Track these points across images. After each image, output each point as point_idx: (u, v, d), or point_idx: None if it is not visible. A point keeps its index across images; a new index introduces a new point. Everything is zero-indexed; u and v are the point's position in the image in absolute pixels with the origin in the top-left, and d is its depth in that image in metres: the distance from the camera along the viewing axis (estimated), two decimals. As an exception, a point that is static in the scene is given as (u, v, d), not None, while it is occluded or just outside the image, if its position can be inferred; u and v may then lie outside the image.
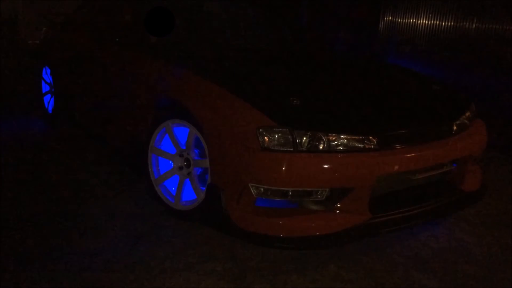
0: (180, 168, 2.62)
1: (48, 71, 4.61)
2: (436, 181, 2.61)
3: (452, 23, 5.39)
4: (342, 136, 2.19)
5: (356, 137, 2.21)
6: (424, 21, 5.74)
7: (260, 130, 2.16)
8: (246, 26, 3.97)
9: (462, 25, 5.26)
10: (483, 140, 2.69)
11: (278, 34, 4.05)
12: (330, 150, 2.17)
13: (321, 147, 2.17)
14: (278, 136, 2.15)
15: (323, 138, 2.16)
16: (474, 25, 5.12)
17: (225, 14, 3.93)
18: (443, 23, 5.50)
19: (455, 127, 2.55)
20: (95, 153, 3.78)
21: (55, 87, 4.50)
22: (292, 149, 2.14)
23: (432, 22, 5.64)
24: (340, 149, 2.19)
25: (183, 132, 2.61)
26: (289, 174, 2.12)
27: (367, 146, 2.22)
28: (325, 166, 2.13)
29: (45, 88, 4.76)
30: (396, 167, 2.24)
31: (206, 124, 2.39)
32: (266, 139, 2.15)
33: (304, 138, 2.15)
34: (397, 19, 6.11)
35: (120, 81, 3.26)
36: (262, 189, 2.19)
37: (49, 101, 4.69)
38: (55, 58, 4.46)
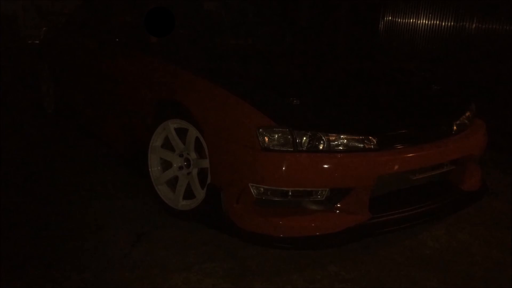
0: (180, 168, 2.62)
1: (48, 71, 4.61)
2: (436, 181, 2.61)
3: (452, 23, 5.39)
4: (342, 136, 2.19)
5: (356, 137, 2.21)
6: (424, 21, 5.74)
7: (260, 130, 2.16)
8: (246, 25, 3.97)
9: (462, 25, 5.26)
10: (483, 140, 2.69)
11: (279, 34, 4.05)
12: (330, 150, 2.17)
13: (321, 147, 2.17)
14: (278, 136, 2.15)
15: (323, 138, 2.16)
16: (474, 25, 5.12)
17: (225, 13, 3.93)
18: (443, 23, 5.50)
19: (455, 127, 2.55)
20: (95, 153, 3.78)
21: (54, 87, 4.50)
22: (292, 149, 2.14)
23: (432, 22, 5.64)
24: (340, 149, 2.19)
25: (183, 132, 2.60)
26: (289, 174, 2.12)
27: (367, 146, 2.22)
28: (325, 166, 2.13)
29: (44, 87, 4.76)
30: (396, 167, 2.24)
31: (206, 124, 2.39)
32: (266, 139, 2.15)
33: (304, 138, 2.15)
34: (397, 19, 6.11)
35: (120, 81, 3.25)
36: (262, 189, 2.19)
37: (48, 101, 4.69)
38: (55, 58, 4.46)
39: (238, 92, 2.36)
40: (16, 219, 2.67)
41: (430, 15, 5.63)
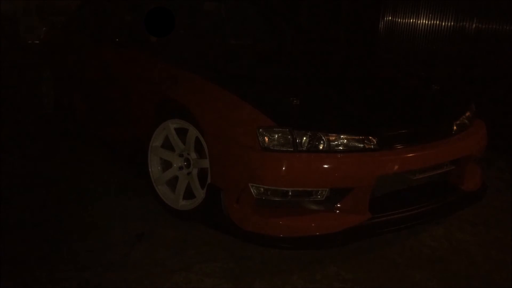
0: (180, 168, 2.62)
1: (48, 70, 4.61)
2: (436, 181, 2.61)
3: (452, 23, 5.39)
4: (342, 136, 2.19)
5: (356, 137, 2.21)
6: (424, 21, 5.74)
7: (260, 130, 2.16)
8: (246, 25, 3.97)
9: (462, 25, 5.26)
10: (483, 140, 2.69)
11: (278, 34, 4.05)
12: (330, 150, 2.17)
13: (321, 147, 2.16)
14: (278, 136, 2.15)
15: (323, 138, 2.16)
16: (474, 25, 5.12)
17: (225, 14, 3.93)
18: (443, 23, 5.50)
19: (455, 127, 2.55)
20: (95, 153, 3.78)
21: (55, 86, 4.50)
22: (292, 149, 2.14)
23: (432, 22, 5.64)
24: (340, 149, 2.19)
25: (183, 132, 2.61)
26: (289, 174, 2.12)
27: (367, 146, 2.22)
28: (325, 166, 2.13)
29: (44, 87, 4.76)
30: (396, 167, 2.24)
31: (206, 124, 2.39)
32: (266, 139, 2.15)
33: (304, 138, 2.15)
34: (397, 19, 6.11)
35: (120, 81, 3.26)
36: (262, 189, 2.19)
37: (48, 101, 4.69)
38: (55, 58, 4.46)
39: (238, 92, 2.36)
40: (16, 219, 2.67)
41: (430, 15, 5.63)
